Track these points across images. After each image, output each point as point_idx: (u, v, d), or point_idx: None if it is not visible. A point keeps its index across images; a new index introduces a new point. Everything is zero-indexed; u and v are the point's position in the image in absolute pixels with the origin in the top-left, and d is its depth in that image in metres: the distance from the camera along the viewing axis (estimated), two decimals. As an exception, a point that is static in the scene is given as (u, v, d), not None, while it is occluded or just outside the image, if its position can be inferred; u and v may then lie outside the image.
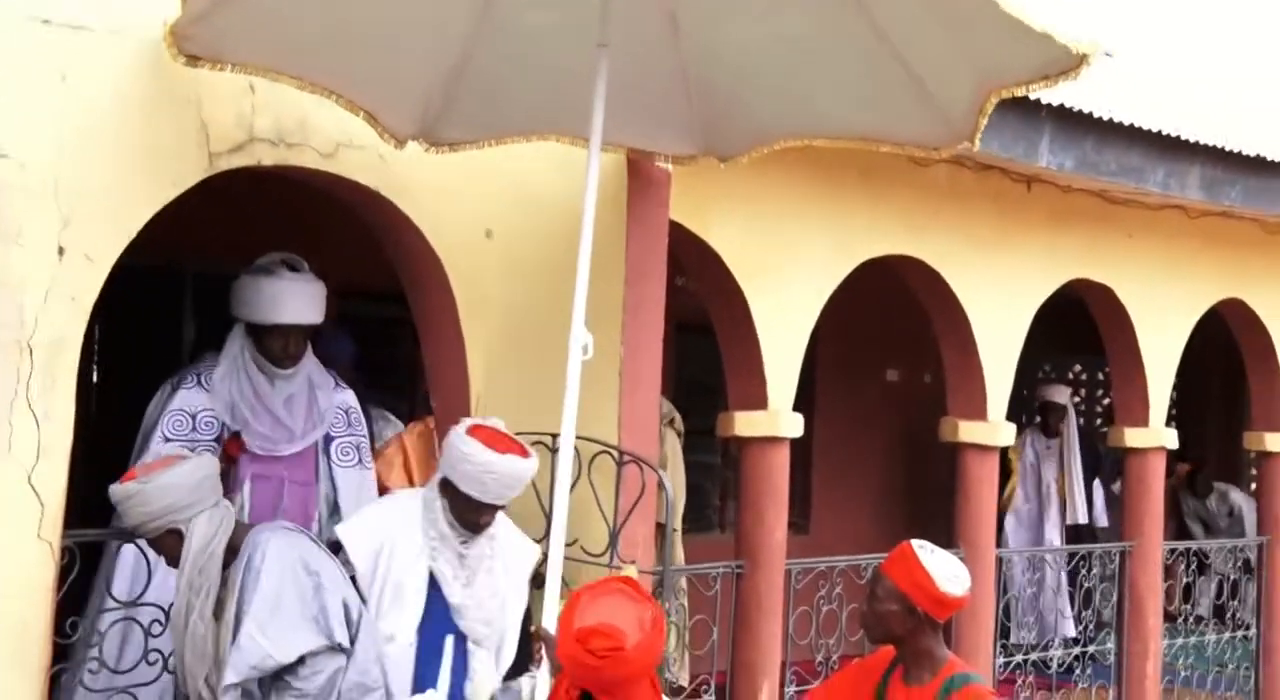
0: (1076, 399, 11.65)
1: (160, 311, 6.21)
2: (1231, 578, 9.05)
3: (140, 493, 3.53)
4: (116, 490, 3.57)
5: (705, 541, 7.75)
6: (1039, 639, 8.00)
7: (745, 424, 5.73)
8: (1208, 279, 7.76)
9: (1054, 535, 8.81)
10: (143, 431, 4.53)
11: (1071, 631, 8.30)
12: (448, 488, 3.93)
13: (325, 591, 3.59)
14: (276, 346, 4.46)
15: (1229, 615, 9.14)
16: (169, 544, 3.59)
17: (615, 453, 4.51)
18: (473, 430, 3.92)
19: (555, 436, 4.36)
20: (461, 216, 4.59)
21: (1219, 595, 8.76)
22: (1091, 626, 7.86)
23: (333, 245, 5.51)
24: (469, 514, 3.92)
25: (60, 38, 3.67)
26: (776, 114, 4.16)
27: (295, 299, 4.46)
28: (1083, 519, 8.82)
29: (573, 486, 4.43)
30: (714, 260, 5.55)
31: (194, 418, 4.41)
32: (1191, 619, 8.68)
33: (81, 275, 3.70)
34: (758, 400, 5.73)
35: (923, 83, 3.68)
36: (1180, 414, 8.28)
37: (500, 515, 4.07)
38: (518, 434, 4.53)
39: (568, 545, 4.42)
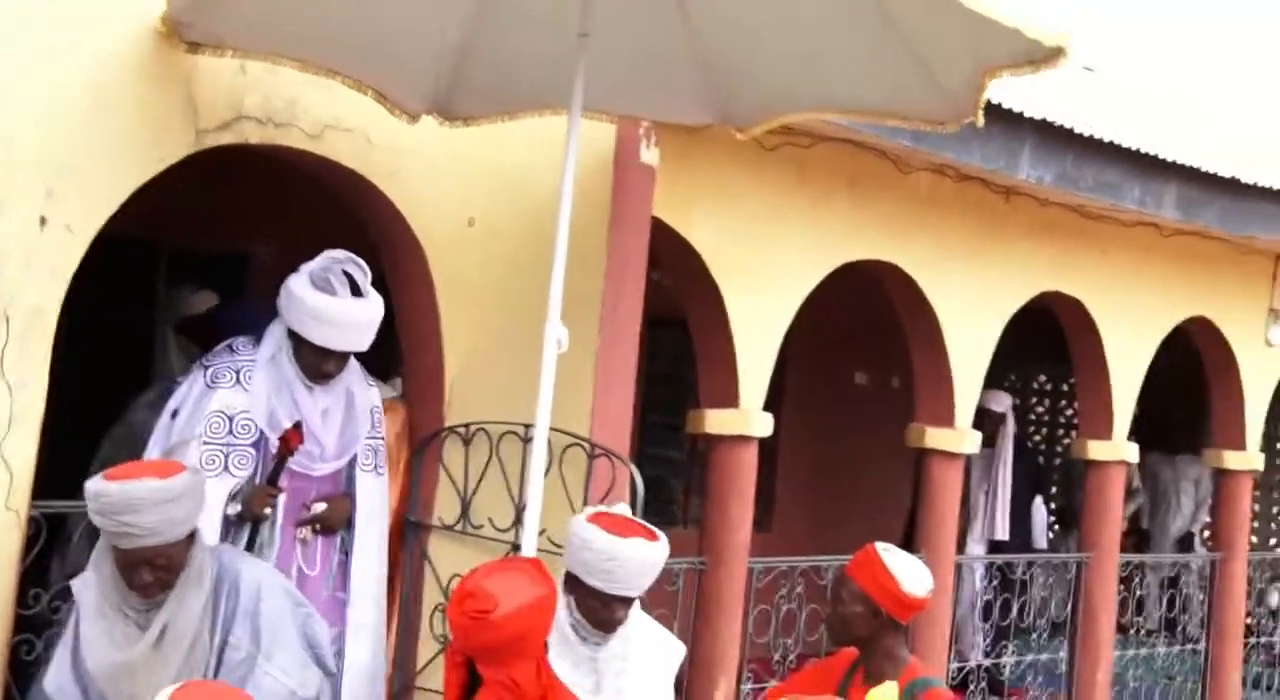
0: (1040, 409, 11.75)
1: (133, 283, 6.19)
2: (1169, 576, 9.16)
3: (167, 489, 3.24)
4: (132, 487, 3.24)
5: (667, 536, 7.76)
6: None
7: (716, 422, 5.76)
8: (1177, 296, 7.84)
9: (976, 550, 8.16)
10: (135, 418, 4.44)
11: (980, 655, 7.85)
12: (571, 582, 3.54)
13: (314, 620, 3.58)
14: (315, 364, 4.15)
15: (1179, 629, 9.27)
16: (171, 553, 3.32)
17: (587, 445, 4.52)
18: (594, 517, 3.59)
19: (528, 427, 4.40)
20: (445, 204, 4.58)
21: (1170, 608, 8.85)
22: (1044, 635, 7.90)
23: (313, 227, 5.49)
24: (598, 610, 3.54)
25: (53, 10, 3.64)
26: (788, 86, 4.16)
27: (350, 328, 4.12)
28: (1000, 535, 8.16)
29: (544, 477, 4.46)
30: (693, 257, 5.57)
31: (231, 420, 4.10)
32: (1142, 632, 8.78)
33: (62, 246, 3.68)
34: (729, 398, 5.75)
35: (925, 61, 3.72)
36: (1142, 429, 8.33)
37: (641, 614, 3.77)
38: (491, 423, 4.57)
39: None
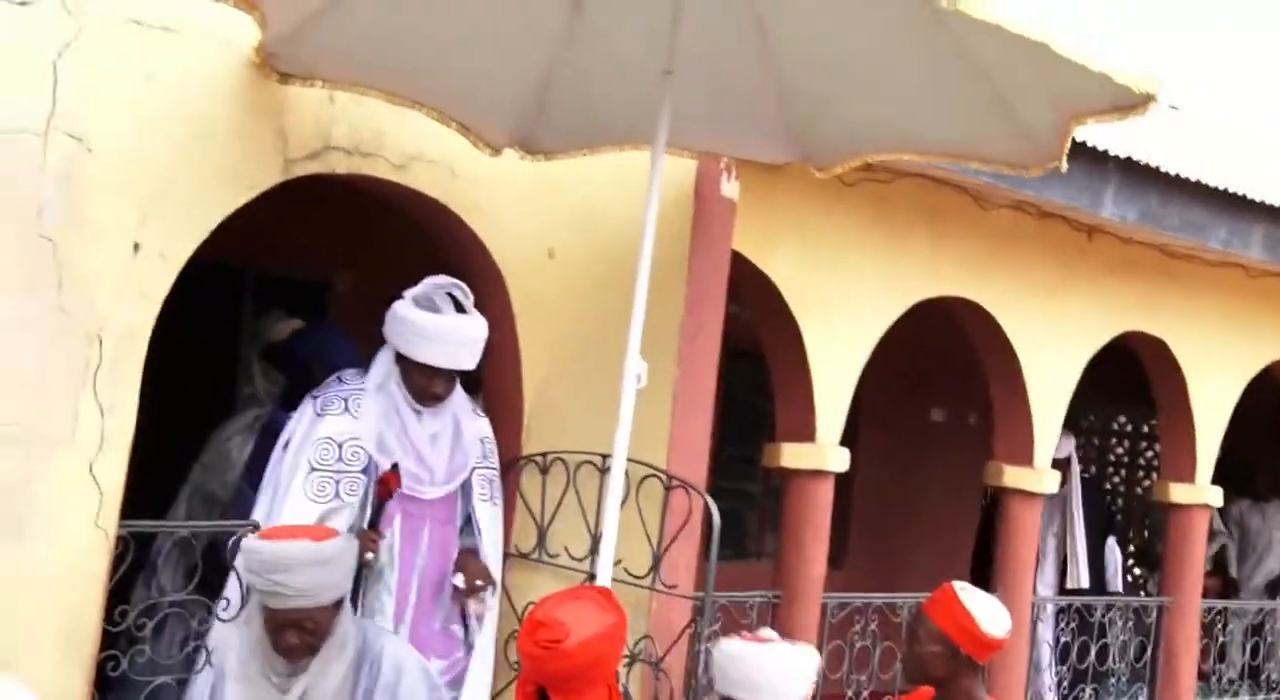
0: (1120, 451, 11.57)
1: (219, 308, 6.30)
2: (1253, 623, 8.95)
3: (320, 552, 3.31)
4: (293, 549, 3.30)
5: (741, 569, 7.76)
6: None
7: (792, 456, 5.75)
8: (1264, 337, 7.72)
9: (1045, 592, 7.78)
10: (226, 446, 4.51)
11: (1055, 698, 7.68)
12: None
13: None
14: (424, 385, 4.17)
15: (1262, 677, 9.06)
16: (319, 618, 3.33)
17: (664, 476, 4.54)
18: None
19: (605, 457, 4.43)
20: (525, 235, 4.63)
21: (1254, 656, 8.66)
22: (1124, 679, 7.76)
23: (394, 256, 5.57)
24: None
25: (150, 38, 3.73)
26: (868, 125, 4.17)
27: (457, 346, 4.15)
28: (1084, 583, 7.90)
29: (620, 508, 4.47)
30: (771, 290, 5.57)
31: (340, 447, 4.12)
32: (1225, 679, 8.60)
33: (154, 271, 3.76)
34: (806, 432, 5.74)
35: (1010, 104, 3.71)
36: (1225, 474, 8.18)
37: None
38: (568, 453, 4.59)
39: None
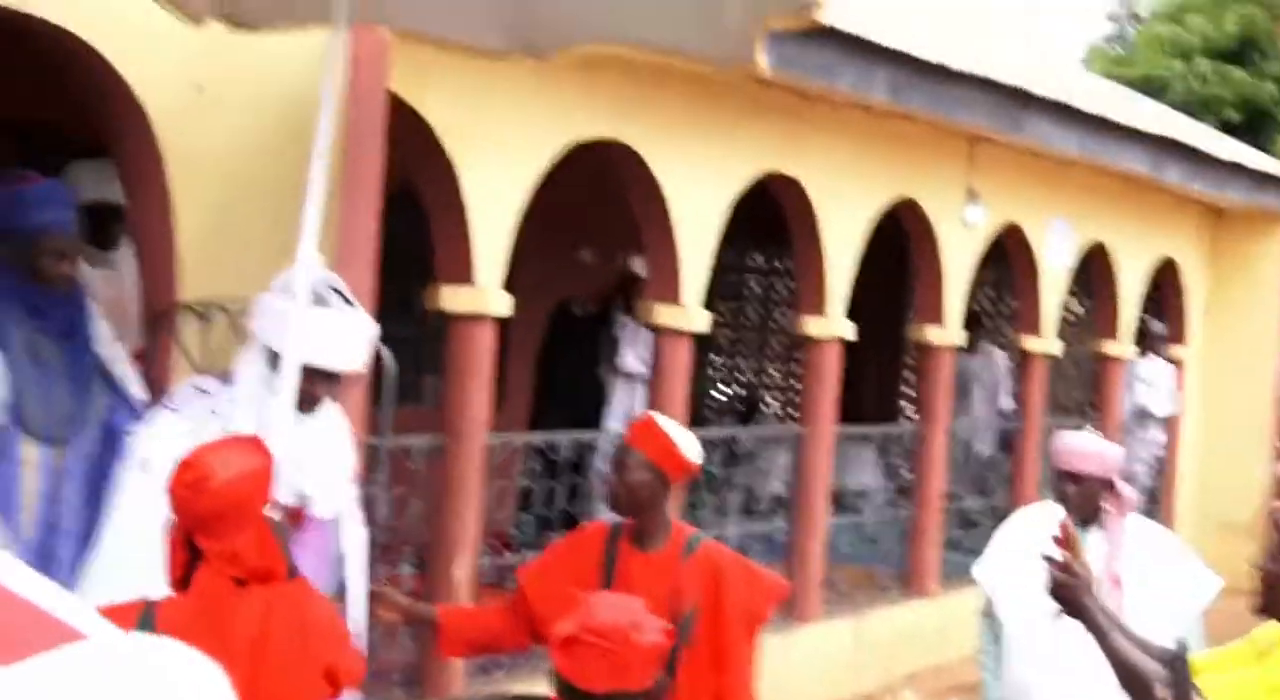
0: (757, 287, 12.15)
1: None
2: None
3: None
4: None
5: (403, 414, 7.72)
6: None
7: (452, 298, 5.73)
8: (884, 178, 8.17)
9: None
10: None
11: None
12: None
13: None
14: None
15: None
16: None
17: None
18: None
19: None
20: (169, 70, 4.35)
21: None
22: (764, 506, 8.26)
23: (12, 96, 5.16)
24: None
25: None
26: (582, 15, 4.12)
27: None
28: None
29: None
30: (426, 131, 5.48)
31: None
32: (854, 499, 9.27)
33: None
34: (464, 275, 5.73)
35: (711, 3, 3.75)
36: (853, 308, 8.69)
37: None
38: (230, 301, 4.42)
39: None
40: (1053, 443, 4.47)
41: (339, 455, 3.97)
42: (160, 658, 0.96)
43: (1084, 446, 4.34)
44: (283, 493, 3.30)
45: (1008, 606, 4.42)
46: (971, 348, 10.15)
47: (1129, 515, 4.37)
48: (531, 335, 8.67)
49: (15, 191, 3.90)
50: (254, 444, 3.11)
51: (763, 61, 3.83)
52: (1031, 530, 4.30)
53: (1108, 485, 4.32)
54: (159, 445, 3.63)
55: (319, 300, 3.75)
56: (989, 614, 4.54)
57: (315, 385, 3.70)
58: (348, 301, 3.85)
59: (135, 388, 4.21)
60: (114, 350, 4.22)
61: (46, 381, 3.84)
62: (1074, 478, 4.29)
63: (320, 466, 3.84)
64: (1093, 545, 4.12)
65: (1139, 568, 4.29)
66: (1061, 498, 4.31)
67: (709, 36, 3.88)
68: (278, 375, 3.62)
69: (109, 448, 3.97)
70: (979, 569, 4.66)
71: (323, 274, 3.82)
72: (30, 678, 0.87)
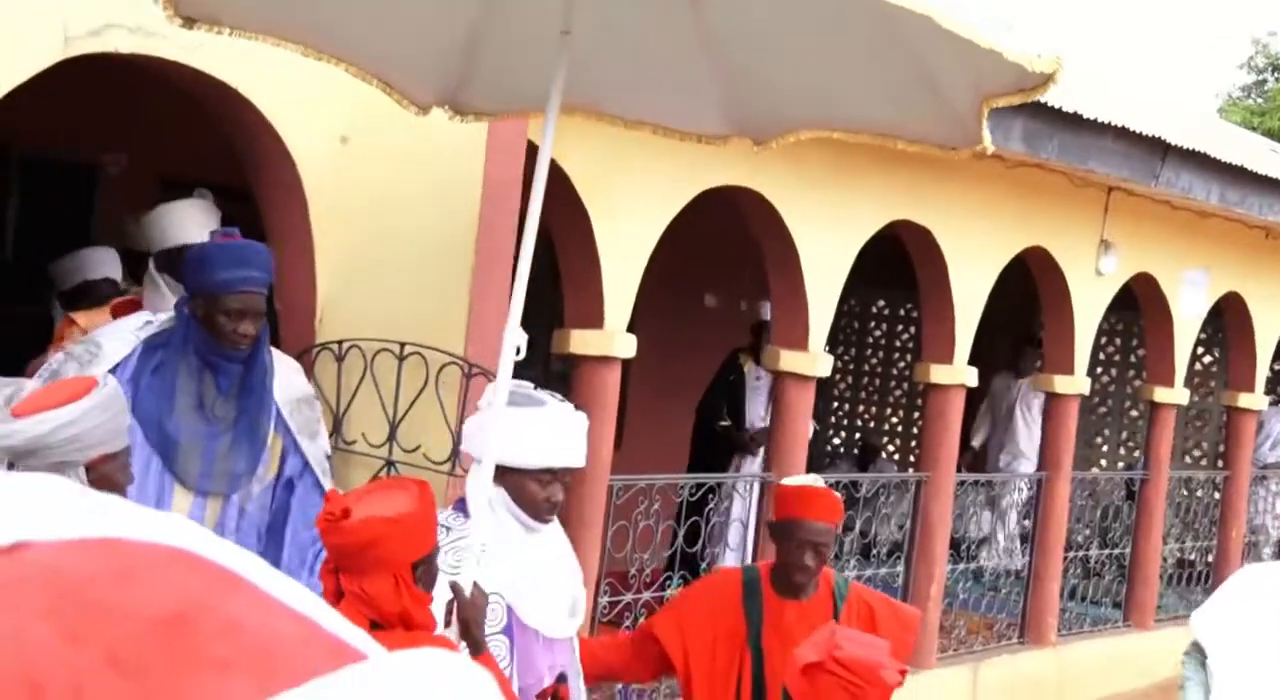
0: (878, 333, 12.11)
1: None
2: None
3: None
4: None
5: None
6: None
7: (581, 342, 5.83)
8: (1018, 227, 8.12)
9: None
10: None
11: None
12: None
13: None
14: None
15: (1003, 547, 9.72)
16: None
17: (463, 364, 4.56)
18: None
19: (403, 345, 4.44)
20: (316, 120, 4.52)
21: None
22: (883, 551, 8.24)
23: (170, 139, 5.38)
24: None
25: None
26: (801, 101, 4.09)
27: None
28: None
29: (419, 395, 4.50)
30: (562, 180, 5.59)
31: None
32: (973, 546, 9.19)
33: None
34: (594, 319, 5.83)
35: (935, 84, 3.67)
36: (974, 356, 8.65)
37: None
38: (364, 341, 4.57)
39: (410, 451, 4.51)
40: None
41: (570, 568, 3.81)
42: (446, 678, 0.87)
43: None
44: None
45: (1225, 665, 4.22)
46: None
47: None
48: (650, 377, 8.77)
49: (204, 248, 3.98)
50: (410, 493, 3.10)
51: (988, 140, 3.68)
52: (1266, 593, 4.14)
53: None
54: None
55: (533, 401, 3.70)
56: (1195, 655, 4.35)
57: (549, 486, 3.64)
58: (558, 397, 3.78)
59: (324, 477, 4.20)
60: (303, 419, 4.21)
61: (210, 436, 3.94)
62: None
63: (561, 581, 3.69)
64: None
65: None
66: None
67: (931, 118, 3.78)
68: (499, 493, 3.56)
69: (284, 499, 4.08)
70: (1199, 618, 4.47)
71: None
72: None
